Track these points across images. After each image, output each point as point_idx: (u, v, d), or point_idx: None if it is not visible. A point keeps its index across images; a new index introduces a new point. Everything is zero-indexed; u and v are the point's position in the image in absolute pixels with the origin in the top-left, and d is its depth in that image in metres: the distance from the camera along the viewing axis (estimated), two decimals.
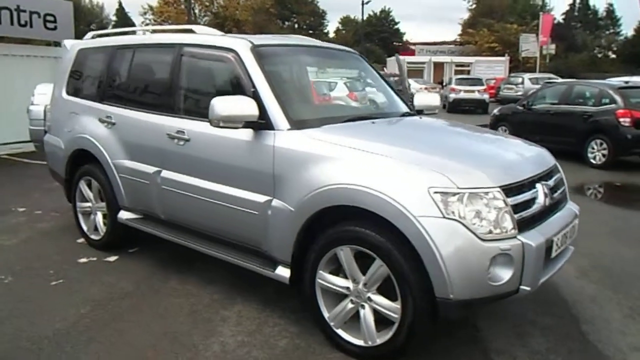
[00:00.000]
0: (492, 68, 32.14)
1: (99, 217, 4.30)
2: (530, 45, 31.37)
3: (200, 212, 3.36)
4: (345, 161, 2.68)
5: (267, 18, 46.17)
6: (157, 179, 3.62)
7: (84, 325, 3.06)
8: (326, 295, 2.82)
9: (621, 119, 7.84)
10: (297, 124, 2.97)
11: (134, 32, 4.20)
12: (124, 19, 46.13)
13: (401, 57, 16.92)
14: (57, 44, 10.12)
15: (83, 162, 4.32)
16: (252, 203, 3.02)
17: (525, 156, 3.00)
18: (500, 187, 2.50)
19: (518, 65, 34.41)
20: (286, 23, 52.04)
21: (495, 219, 2.43)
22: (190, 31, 3.73)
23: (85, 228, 4.43)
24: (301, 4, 51.19)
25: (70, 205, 4.55)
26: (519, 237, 2.46)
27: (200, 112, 3.45)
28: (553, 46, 30.63)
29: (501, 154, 2.98)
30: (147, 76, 3.96)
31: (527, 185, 2.69)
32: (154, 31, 4.15)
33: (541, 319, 3.21)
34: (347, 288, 2.72)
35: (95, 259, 4.15)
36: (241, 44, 3.27)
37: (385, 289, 2.61)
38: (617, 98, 8.09)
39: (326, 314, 2.81)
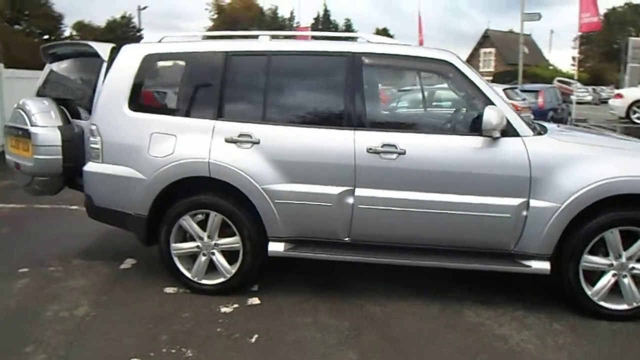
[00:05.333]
0: None
1: (218, 257, 3.58)
2: None
3: (425, 226, 3.31)
4: (611, 159, 3.19)
5: None
6: (347, 200, 3.34)
7: None
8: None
9: None
10: (533, 130, 3.32)
11: (255, 37, 3.63)
12: None
13: None
14: None
15: (180, 194, 3.55)
16: (502, 207, 3.20)
17: None
18: None
19: None
20: (15, 26, 44.55)
21: None
22: (354, 39, 3.56)
23: (188, 274, 3.61)
24: (34, 5, 44.51)
25: (69, 252, 4.09)
26: None
27: (417, 124, 3.41)
28: None
29: None
30: (305, 87, 3.56)
31: None
32: (273, 37, 3.68)
33: None
34: (610, 264, 3.21)
35: (237, 305, 3.47)
36: (450, 56, 3.37)
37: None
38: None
39: (589, 292, 3.24)
